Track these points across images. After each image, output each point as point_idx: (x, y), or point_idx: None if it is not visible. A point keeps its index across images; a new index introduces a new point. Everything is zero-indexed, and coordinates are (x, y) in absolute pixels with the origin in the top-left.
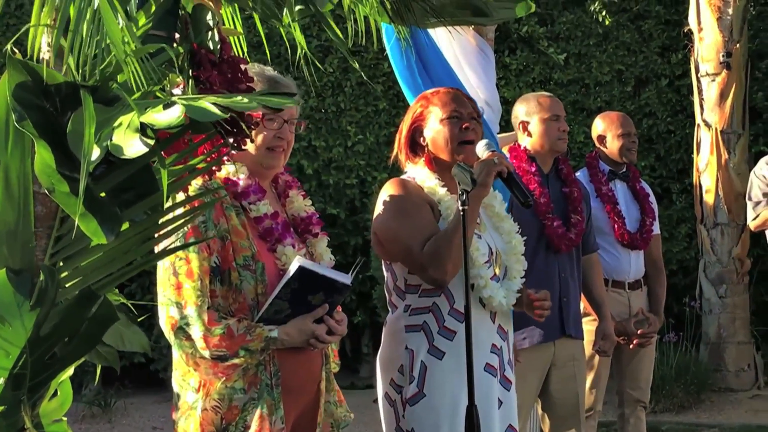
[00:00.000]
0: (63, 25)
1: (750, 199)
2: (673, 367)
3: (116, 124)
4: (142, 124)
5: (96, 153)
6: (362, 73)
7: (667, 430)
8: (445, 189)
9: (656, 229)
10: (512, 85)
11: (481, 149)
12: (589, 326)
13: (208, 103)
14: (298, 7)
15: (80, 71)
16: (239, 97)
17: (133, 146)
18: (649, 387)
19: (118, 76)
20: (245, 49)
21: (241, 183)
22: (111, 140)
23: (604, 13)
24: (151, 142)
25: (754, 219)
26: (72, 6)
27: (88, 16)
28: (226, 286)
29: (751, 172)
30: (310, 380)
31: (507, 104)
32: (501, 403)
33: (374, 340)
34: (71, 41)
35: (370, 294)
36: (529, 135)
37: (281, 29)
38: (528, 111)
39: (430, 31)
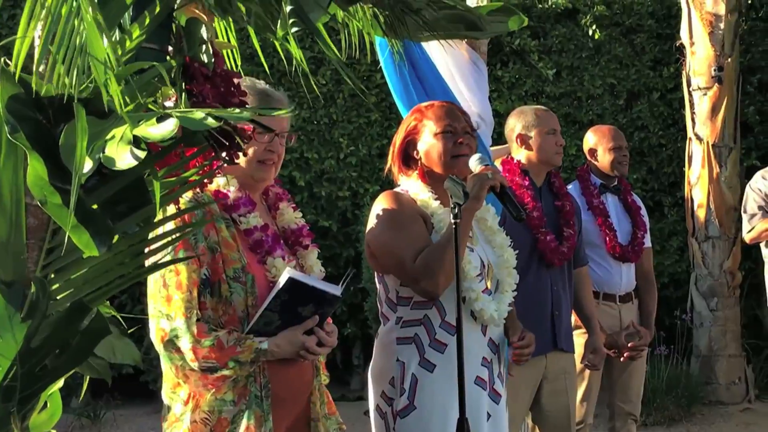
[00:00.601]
0: (50, 39)
1: (745, 211)
2: (664, 380)
3: (109, 136)
4: (135, 136)
5: (88, 165)
6: (354, 86)
7: None
8: (438, 202)
9: (647, 242)
10: (504, 97)
11: (474, 163)
12: (580, 339)
13: (201, 113)
14: (291, 20)
15: (70, 84)
16: (232, 109)
17: (125, 159)
18: (639, 400)
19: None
20: (239, 63)
21: (231, 195)
22: (104, 152)
23: (596, 27)
24: (143, 153)
25: (750, 231)
26: (61, 20)
27: (75, 33)
28: (216, 298)
29: (747, 185)
30: (301, 392)
31: (499, 117)
32: (489, 416)
33: (365, 352)
34: (55, 54)
35: (362, 306)
36: (528, 148)
37: (275, 41)
38: (526, 124)
39: (423, 44)
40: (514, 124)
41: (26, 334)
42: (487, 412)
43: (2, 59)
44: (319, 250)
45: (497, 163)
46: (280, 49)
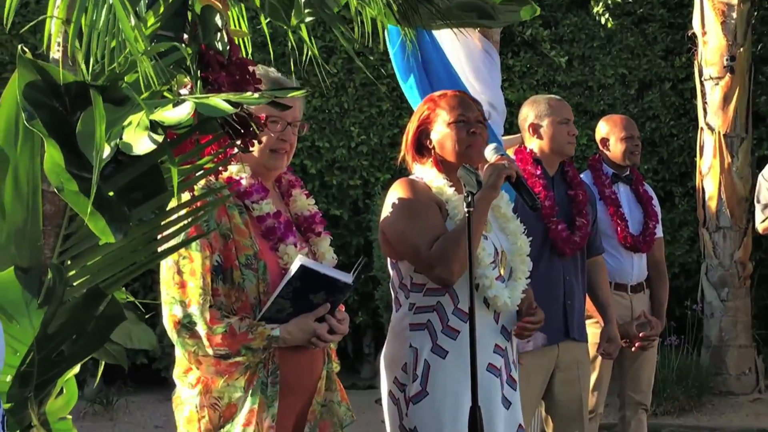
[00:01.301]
0: (79, 21)
1: (758, 201)
2: (675, 370)
3: (126, 122)
4: (151, 122)
5: (106, 152)
6: (368, 74)
7: None
8: (453, 189)
9: (659, 232)
10: (516, 87)
11: (490, 153)
12: (591, 329)
13: (217, 100)
14: (307, 10)
15: (90, 69)
16: (249, 93)
17: (142, 143)
18: (650, 390)
19: (126, 77)
20: (250, 50)
21: (244, 182)
22: (121, 139)
23: (607, 15)
24: (160, 137)
25: (763, 222)
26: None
27: (103, 14)
28: (228, 285)
29: (759, 175)
30: (312, 379)
31: (510, 106)
32: (510, 404)
33: (376, 340)
34: (88, 36)
35: (373, 294)
36: (540, 137)
37: (288, 29)
38: (539, 114)
39: (435, 33)
40: (527, 114)
41: (43, 320)
42: (507, 398)
43: (19, 47)
44: (331, 237)
45: (510, 153)
46: (291, 38)
